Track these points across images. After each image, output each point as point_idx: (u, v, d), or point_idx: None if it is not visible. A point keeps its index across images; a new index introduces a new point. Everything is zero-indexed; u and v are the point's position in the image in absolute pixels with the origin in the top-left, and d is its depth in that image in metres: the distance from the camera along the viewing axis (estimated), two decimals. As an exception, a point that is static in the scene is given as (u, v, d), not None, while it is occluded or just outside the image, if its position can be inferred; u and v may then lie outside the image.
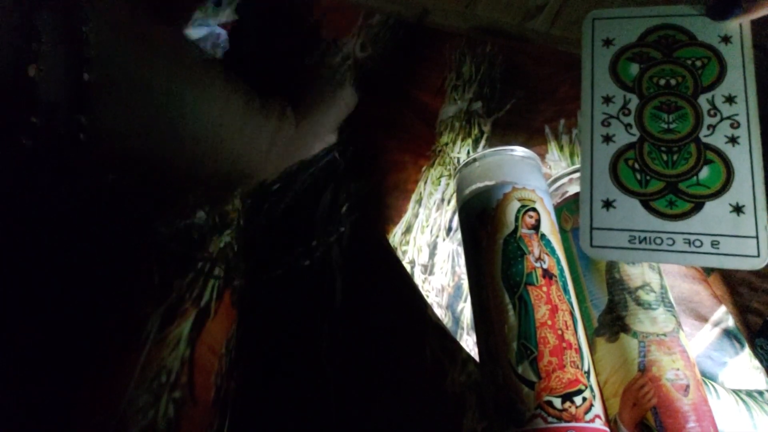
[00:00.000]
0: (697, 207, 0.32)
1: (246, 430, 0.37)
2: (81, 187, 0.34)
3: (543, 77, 0.70)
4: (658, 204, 0.32)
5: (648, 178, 0.33)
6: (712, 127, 0.33)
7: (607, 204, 0.33)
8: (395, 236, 0.58)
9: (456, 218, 0.58)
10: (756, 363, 0.47)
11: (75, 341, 0.32)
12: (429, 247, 0.57)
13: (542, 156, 0.60)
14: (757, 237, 0.31)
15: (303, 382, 0.39)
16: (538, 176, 0.41)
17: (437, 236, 0.57)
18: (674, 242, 0.31)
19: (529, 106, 0.67)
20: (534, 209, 0.38)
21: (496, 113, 0.66)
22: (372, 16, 0.72)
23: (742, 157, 0.32)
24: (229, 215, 0.39)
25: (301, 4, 0.67)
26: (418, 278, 0.55)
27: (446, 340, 0.40)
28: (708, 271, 0.54)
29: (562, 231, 0.41)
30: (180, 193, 0.34)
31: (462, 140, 0.63)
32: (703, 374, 0.40)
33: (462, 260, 0.53)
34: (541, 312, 0.34)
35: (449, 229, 0.58)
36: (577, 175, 0.43)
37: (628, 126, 0.35)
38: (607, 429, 0.33)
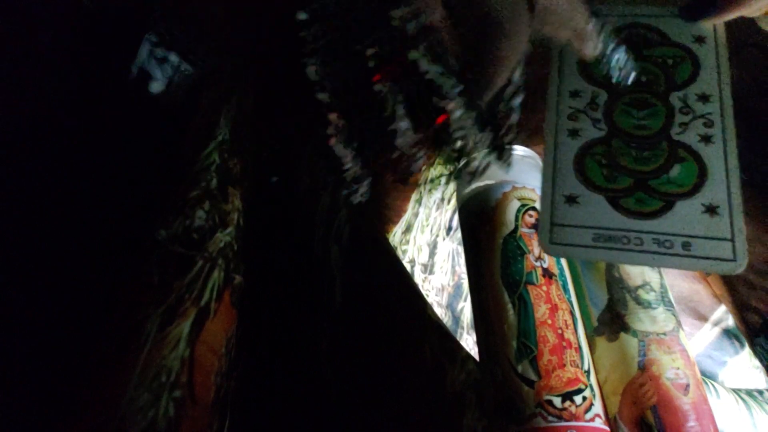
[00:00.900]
0: (668, 206, 0.30)
1: (246, 431, 0.37)
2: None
3: (543, 77, 0.70)
4: (626, 201, 0.31)
5: (616, 174, 0.31)
6: (685, 125, 0.32)
7: (571, 199, 0.31)
8: (395, 236, 0.58)
9: (456, 217, 0.58)
10: (756, 362, 0.47)
11: (74, 341, 0.32)
12: (429, 246, 0.57)
13: (542, 156, 0.60)
14: (732, 240, 0.29)
15: (303, 382, 0.39)
16: (537, 175, 0.41)
17: (437, 235, 0.57)
18: (642, 242, 0.29)
19: (528, 106, 0.67)
20: (534, 208, 0.38)
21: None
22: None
23: (717, 156, 0.31)
24: (229, 215, 0.39)
25: None
26: (418, 277, 0.55)
27: (446, 339, 0.40)
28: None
29: (562, 230, 0.41)
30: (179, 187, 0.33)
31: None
32: (703, 373, 0.40)
33: (462, 259, 0.53)
34: (541, 311, 0.34)
35: (449, 229, 0.58)
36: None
37: (596, 121, 0.34)
38: (606, 428, 0.33)
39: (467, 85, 0.23)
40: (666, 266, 0.30)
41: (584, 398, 0.32)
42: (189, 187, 0.37)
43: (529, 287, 0.35)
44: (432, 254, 0.56)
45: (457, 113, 0.23)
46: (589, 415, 0.32)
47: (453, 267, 0.55)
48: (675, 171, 0.31)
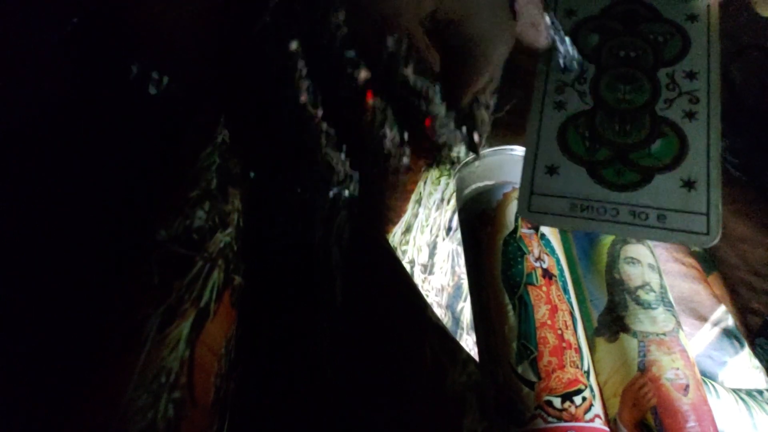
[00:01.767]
0: (646, 179, 0.30)
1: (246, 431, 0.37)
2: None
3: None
4: (606, 173, 0.31)
5: (597, 146, 0.32)
6: (670, 101, 0.32)
7: (551, 170, 0.32)
8: (395, 236, 0.58)
9: (456, 218, 0.57)
10: (755, 362, 0.47)
11: (73, 342, 0.32)
12: (429, 246, 0.57)
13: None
14: (707, 214, 0.29)
15: (303, 384, 0.39)
16: (537, 176, 0.41)
17: (437, 236, 0.57)
18: (618, 213, 0.30)
19: (528, 106, 0.67)
20: (534, 209, 0.38)
21: (496, 113, 0.66)
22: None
23: (699, 133, 0.31)
24: (230, 216, 0.39)
25: None
26: (418, 278, 0.55)
27: (446, 340, 0.40)
28: (708, 270, 0.54)
29: (562, 231, 0.41)
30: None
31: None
32: (703, 374, 0.40)
33: (462, 260, 0.53)
34: (541, 312, 0.34)
35: (449, 229, 0.58)
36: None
37: (582, 94, 0.34)
38: (606, 429, 0.33)
39: (447, 89, 0.24)
40: (639, 237, 0.30)
41: (584, 399, 0.32)
42: (189, 187, 0.37)
43: (530, 288, 0.35)
44: (432, 255, 0.56)
45: (440, 116, 0.23)
46: (588, 416, 0.32)
47: (453, 267, 0.55)
48: (656, 146, 0.31)
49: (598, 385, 0.35)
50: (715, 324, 0.49)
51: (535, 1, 0.28)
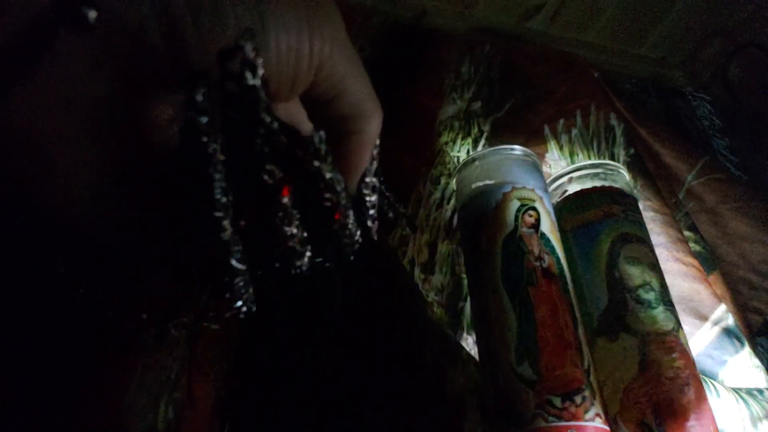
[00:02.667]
0: None
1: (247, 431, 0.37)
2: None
3: (542, 77, 0.70)
4: None
5: None
6: None
7: None
8: (395, 236, 0.58)
9: (456, 218, 0.57)
10: (756, 361, 0.47)
11: (74, 343, 0.32)
12: (429, 246, 0.57)
13: (542, 155, 0.60)
14: None
15: (303, 384, 0.39)
16: (537, 176, 0.41)
17: (437, 236, 0.57)
18: None
19: (528, 106, 0.67)
20: (534, 208, 0.38)
21: (495, 113, 0.66)
22: (370, 17, 0.72)
23: None
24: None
25: None
26: (418, 278, 0.55)
27: (446, 340, 0.40)
28: (708, 269, 0.54)
29: (562, 230, 0.41)
30: None
31: (461, 140, 0.63)
32: (703, 373, 0.40)
33: (462, 260, 0.53)
34: (541, 311, 0.34)
35: (449, 229, 0.58)
36: (577, 174, 0.43)
37: None
38: (607, 428, 0.33)
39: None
40: None
41: (584, 398, 0.32)
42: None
43: (530, 288, 0.35)
44: (432, 254, 0.56)
45: (346, 206, 0.24)
46: (589, 415, 0.32)
47: (453, 267, 0.55)
48: None
49: (599, 384, 0.35)
50: (716, 323, 0.49)
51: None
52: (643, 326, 0.35)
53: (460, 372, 0.38)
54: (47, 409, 0.30)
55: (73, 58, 0.16)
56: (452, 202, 0.59)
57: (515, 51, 0.73)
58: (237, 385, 0.35)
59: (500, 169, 0.40)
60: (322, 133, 0.21)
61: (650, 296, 0.36)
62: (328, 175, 0.22)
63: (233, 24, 0.18)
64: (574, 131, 0.63)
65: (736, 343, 0.48)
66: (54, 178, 0.17)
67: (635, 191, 0.51)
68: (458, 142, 0.63)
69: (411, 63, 0.71)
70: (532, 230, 0.37)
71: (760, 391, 0.43)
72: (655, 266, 0.38)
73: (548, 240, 0.37)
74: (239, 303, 0.21)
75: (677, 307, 0.38)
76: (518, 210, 0.38)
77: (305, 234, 0.22)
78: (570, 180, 0.43)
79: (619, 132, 0.63)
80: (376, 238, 0.29)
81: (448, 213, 0.58)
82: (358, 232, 0.26)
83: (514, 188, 0.39)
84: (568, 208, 0.42)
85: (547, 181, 0.44)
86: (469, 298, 0.47)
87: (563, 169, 0.44)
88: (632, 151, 0.61)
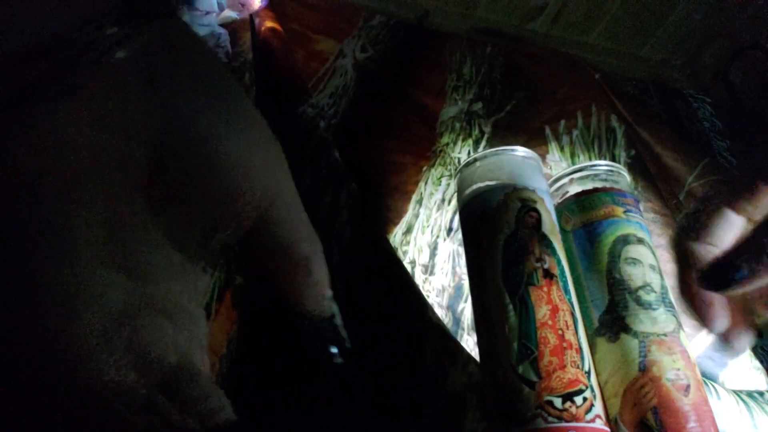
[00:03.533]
0: None
1: (246, 431, 0.37)
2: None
3: (543, 78, 0.70)
4: None
5: None
6: None
7: None
8: (396, 237, 0.58)
9: (457, 218, 0.58)
10: (756, 363, 0.47)
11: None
12: (429, 247, 0.57)
13: (543, 156, 0.60)
14: None
15: (303, 384, 0.39)
16: (538, 176, 0.41)
17: (438, 236, 0.57)
18: None
19: (529, 107, 0.67)
20: (535, 209, 0.38)
21: (497, 114, 0.66)
22: (373, 17, 0.72)
23: None
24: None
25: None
26: (419, 279, 0.55)
27: (447, 340, 0.40)
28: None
29: (563, 231, 0.41)
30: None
31: (462, 141, 0.63)
32: (704, 374, 0.40)
33: (463, 260, 0.53)
34: (542, 312, 0.34)
35: (450, 230, 0.58)
36: (578, 175, 0.43)
37: None
38: (607, 429, 0.33)
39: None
40: None
41: (585, 399, 0.32)
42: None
43: (530, 288, 0.35)
44: (433, 255, 0.56)
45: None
46: (589, 416, 0.32)
47: (454, 268, 0.55)
48: None
49: (599, 385, 0.35)
50: (716, 325, 0.49)
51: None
52: (643, 327, 0.35)
53: (460, 371, 0.38)
54: (47, 407, 0.30)
55: None
56: (453, 202, 0.59)
57: (517, 52, 0.73)
58: (238, 382, 0.35)
59: (501, 170, 0.40)
60: None
61: (651, 297, 0.36)
62: None
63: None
64: (575, 132, 0.63)
65: (737, 344, 0.48)
66: None
67: (636, 192, 0.51)
68: (459, 142, 0.63)
69: (412, 63, 0.71)
70: (533, 231, 0.37)
71: (761, 393, 0.43)
72: (655, 267, 0.38)
73: (549, 241, 0.38)
74: None
75: (678, 309, 0.38)
76: (519, 211, 0.38)
77: None
78: (571, 181, 0.43)
79: (620, 133, 0.63)
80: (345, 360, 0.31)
81: (449, 214, 0.58)
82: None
83: (515, 189, 0.39)
84: (569, 209, 0.42)
85: (548, 182, 0.44)
86: (470, 299, 0.48)
87: (564, 170, 0.45)
88: (633, 152, 0.61)
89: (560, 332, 0.34)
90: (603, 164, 0.43)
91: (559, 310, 0.35)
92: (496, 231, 0.38)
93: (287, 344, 0.37)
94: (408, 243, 0.58)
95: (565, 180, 0.44)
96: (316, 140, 0.52)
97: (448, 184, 0.60)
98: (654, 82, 0.78)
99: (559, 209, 0.42)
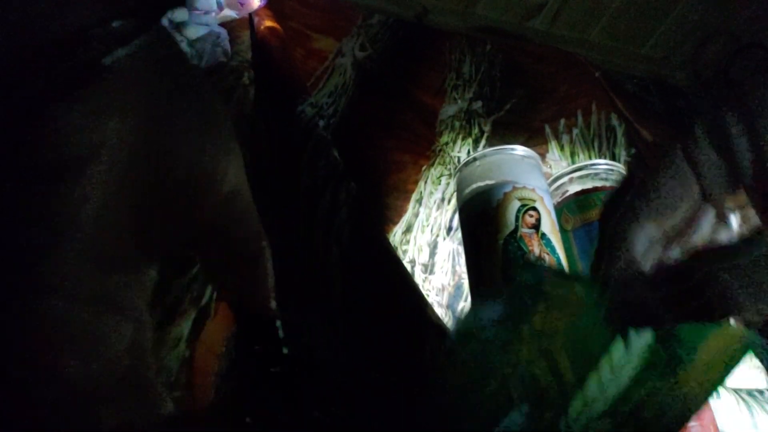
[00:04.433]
0: None
1: (245, 430, 0.37)
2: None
3: (543, 76, 0.70)
4: None
5: None
6: None
7: None
8: (395, 236, 0.58)
9: (456, 217, 0.57)
10: (757, 362, 0.47)
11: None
12: (429, 246, 0.57)
13: (542, 155, 0.59)
14: None
15: (302, 383, 0.39)
16: (538, 175, 0.41)
17: (437, 235, 0.57)
18: None
19: (529, 106, 0.67)
20: (534, 208, 0.38)
21: (496, 113, 0.66)
22: (371, 16, 0.72)
23: None
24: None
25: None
26: (419, 278, 0.55)
27: (446, 340, 0.40)
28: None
29: (563, 230, 0.41)
30: None
31: (462, 140, 0.63)
32: (704, 374, 0.40)
33: (462, 259, 0.52)
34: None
35: (450, 229, 0.58)
36: (578, 174, 0.43)
37: None
38: (607, 429, 0.33)
39: None
40: None
41: (585, 399, 0.32)
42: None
43: (530, 288, 0.35)
44: (432, 254, 0.56)
45: None
46: (589, 416, 0.32)
47: (453, 267, 0.55)
48: None
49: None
50: (716, 323, 0.49)
51: None
52: (643, 327, 0.35)
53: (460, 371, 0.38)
54: (47, 406, 0.30)
55: None
56: (453, 201, 0.59)
57: (516, 50, 0.73)
58: (237, 382, 0.35)
59: (501, 169, 0.40)
60: None
61: (651, 297, 0.36)
62: None
63: None
64: (575, 131, 0.62)
65: (737, 343, 0.48)
66: None
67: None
68: (459, 141, 0.63)
69: (412, 62, 0.71)
70: (532, 230, 0.37)
71: (761, 392, 0.43)
72: (655, 266, 0.38)
73: (549, 240, 0.37)
74: None
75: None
76: (519, 210, 0.38)
77: None
78: (571, 180, 0.43)
79: (620, 132, 0.63)
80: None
81: (449, 212, 0.58)
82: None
83: (514, 188, 0.39)
84: (569, 208, 0.42)
85: (548, 181, 0.44)
86: (469, 298, 0.47)
87: (564, 169, 0.44)
88: (633, 151, 0.61)
89: (560, 332, 0.34)
90: (603, 163, 0.43)
91: (559, 309, 0.35)
92: (496, 230, 0.37)
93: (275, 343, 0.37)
94: (408, 242, 0.58)
95: (565, 179, 0.44)
96: (315, 139, 0.52)
97: (448, 183, 0.59)
98: (655, 80, 0.77)
99: (559, 208, 0.42)
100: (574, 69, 0.71)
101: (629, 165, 0.58)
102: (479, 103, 0.66)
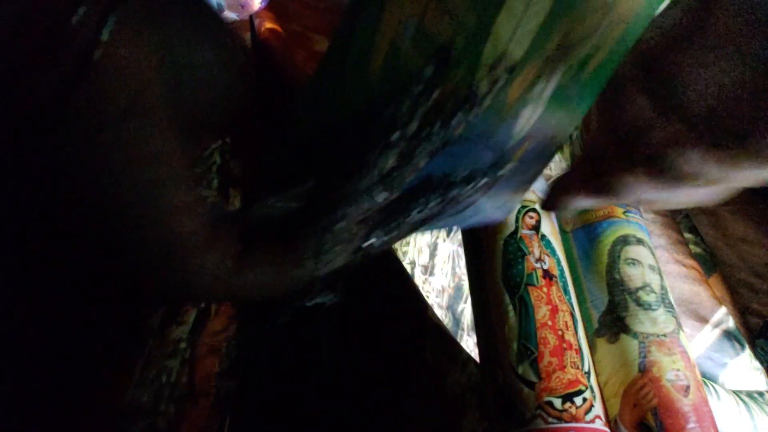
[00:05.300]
0: None
1: (246, 431, 0.37)
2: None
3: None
4: None
5: None
6: None
7: None
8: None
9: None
10: (756, 364, 0.47)
11: (74, 341, 0.32)
12: (429, 247, 0.57)
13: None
14: None
15: (303, 383, 0.39)
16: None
17: (437, 237, 0.57)
18: None
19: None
20: (534, 210, 0.38)
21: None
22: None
23: None
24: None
25: None
26: (419, 279, 0.55)
27: (446, 341, 0.40)
28: (708, 271, 0.54)
29: (563, 232, 0.41)
30: None
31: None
32: (704, 375, 0.40)
33: (462, 261, 0.53)
34: (542, 312, 0.34)
35: (449, 230, 0.58)
36: (577, 176, 0.43)
37: None
38: (607, 430, 0.33)
39: None
40: None
41: (584, 400, 0.32)
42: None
43: (530, 289, 0.35)
44: (432, 256, 0.56)
45: None
46: (589, 417, 0.32)
47: (453, 268, 0.55)
48: None
49: (599, 385, 0.35)
50: (716, 325, 0.49)
51: None
52: (643, 328, 0.35)
53: (459, 372, 0.38)
54: (48, 406, 0.30)
55: None
56: (453, 203, 0.59)
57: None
58: (238, 383, 0.35)
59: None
60: None
61: (650, 298, 0.36)
62: None
63: None
64: (575, 132, 0.63)
65: (737, 345, 0.48)
66: None
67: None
68: (459, 143, 0.63)
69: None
70: (532, 232, 0.37)
71: (761, 394, 0.43)
72: (655, 268, 0.38)
73: (549, 241, 0.38)
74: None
75: (678, 309, 0.38)
76: (519, 211, 0.38)
77: None
78: (571, 181, 0.43)
79: (620, 134, 0.63)
80: None
81: (449, 214, 0.58)
82: None
83: (515, 189, 0.39)
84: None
85: (548, 182, 0.44)
86: (469, 300, 0.48)
87: (564, 170, 0.45)
88: (633, 153, 0.61)
89: (560, 333, 0.34)
90: (603, 165, 0.43)
91: (559, 310, 0.35)
92: (496, 231, 0.38)
93: (283, 339, 0.37)
94: (407, 243, 0.58)
95: (565, 180, 0.44)
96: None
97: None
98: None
99: (559, 210, 0.42)
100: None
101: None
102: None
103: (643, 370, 0.34)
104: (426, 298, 0.47)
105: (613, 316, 0.36)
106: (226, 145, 0.27)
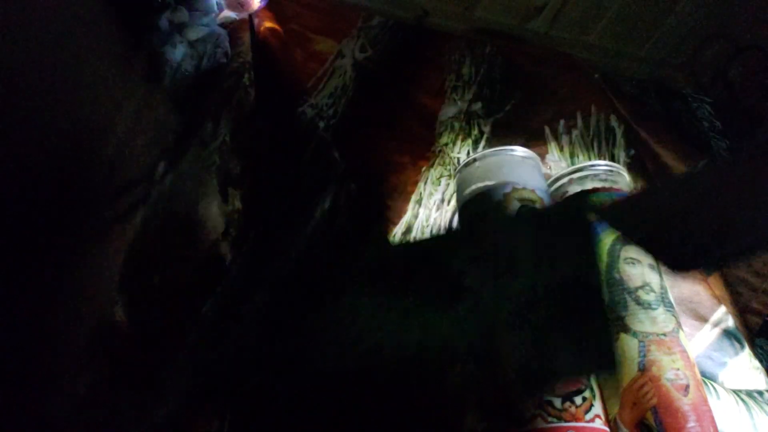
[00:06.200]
0: None
1: (246, 430, 0.37)
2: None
3: (542, 78, 0.70)
4: None
5: None
6: None
7: None
8: (395, 237, 0.58)
9: (456, 218, 0.57)
10: (756, 363, 0.47)
11: (75, 341, 0.32)
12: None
13: (542, 156, 0.60)
14: None
15: (303, 384, 0.39)
16: (538, 176, 0.41)
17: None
18: None
19: (528, 107, 0.67)
20: (533, 208, 0.38)
21: (496, 114, 0.66)
22: (372, 18, 0.72)
23: None
24: (230, 216, 0.39)
25: None
26: (418, 279, 0.55)
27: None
28: (708, 271, 0.54)
29: (562, 231, 0.41)
30: None
31: (462, 141, 0.63)
32: (703, 374, 0.40)
33: (462, 261, 0.52)
34: (541, 312, 0.34)
35: (449, 230, 0.58)
36: (578, 174, 0.43)
37: None
38: (607, 429, 0.33)
39: None
40: None
41: (584, 399, 0.32)
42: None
43: (530, 288, 0.35)
44: (432, 255, 0.56)
45: None
46: (589, 416, 0.32)
47: (453, 268, 0.55)
48: None
49: (599, 385, 0.35)
50: (716, 325, 0.49)
51: None
52: (643, 327, 0.35)
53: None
54: (51, 406, 0.30)
55: None
56: (452, 202, 0.59)
57: (516, 52, 0.73)
58: (237, 383, 0.35)
59: (501, 170, 0.40)
60: None
61: (650, 297, 0.36)
62: None
63: None
64: (575, 132, 0.63)
65: (736, 344, 0.48)
66: None
67: (635, 192, 0.51)
68: (458, 142, 0.63)
69: (412, 63, 0.71)
70: (532, 231, 0.37)
71: (760, 393, 0.43)
72: (654, 267, 0.38)
73: (548, 241, 0.38)
74: None
75: (677, 309, 0.38)
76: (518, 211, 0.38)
77: None
78: (570, 181, 0.43)
79: (619, 133, 0.63)
80: None
81: (449, 214, 0.58)
82: None
83: (514, 189, 0.39)
84: (569, 209, 0.42)
85: (548, 181, 0.44)
86: (469, 299, 0.47)
87: (564, 170, 0.45)
88: (632, 152, 0.61)
89: (560, 332, 0.34)
90: (602, 164, 0.43)
91: (559, 309, 0.35)
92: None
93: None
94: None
95: (565, 180, 0.44)
96: (316, 140, 0.52)
97: (448, 184, 0.60)
98: (653, 81, 0.78)
99: (559, 209, 0.42)
100: (574, 71, 0.71)
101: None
102: (479, 105, 0.66)
103: (643, 369, 0.33)
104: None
105: (613, 316, 0.36)
106: (226, 144, 0.27)
